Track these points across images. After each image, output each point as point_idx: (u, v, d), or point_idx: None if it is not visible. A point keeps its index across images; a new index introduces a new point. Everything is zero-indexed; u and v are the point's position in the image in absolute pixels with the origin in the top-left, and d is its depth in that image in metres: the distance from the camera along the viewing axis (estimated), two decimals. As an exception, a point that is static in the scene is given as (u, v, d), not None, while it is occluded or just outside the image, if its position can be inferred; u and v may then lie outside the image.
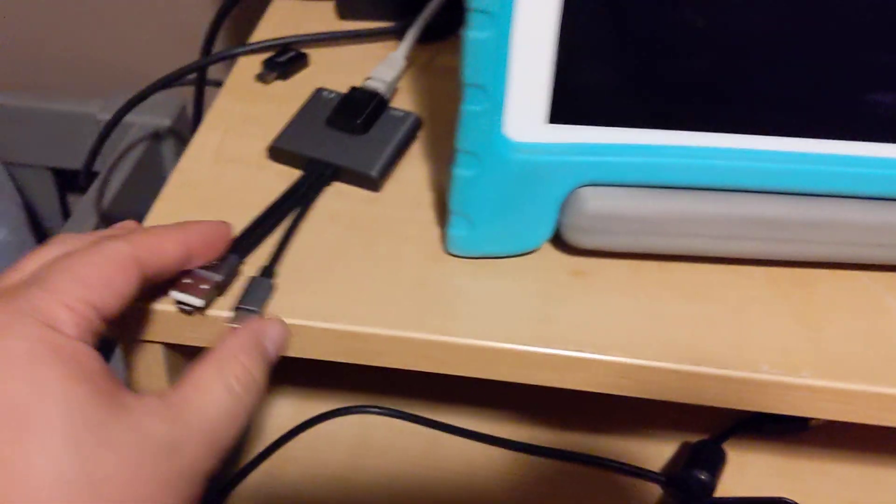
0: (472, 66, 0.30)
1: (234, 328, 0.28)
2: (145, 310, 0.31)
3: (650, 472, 0.43)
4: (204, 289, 0.29)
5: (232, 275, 0.31)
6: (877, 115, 0.32)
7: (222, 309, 0.31)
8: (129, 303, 0.26)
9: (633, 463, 0.44)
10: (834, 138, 0.32)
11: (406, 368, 0.32)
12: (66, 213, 0.88)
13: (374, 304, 0.32)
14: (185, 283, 0.30)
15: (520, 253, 0.34)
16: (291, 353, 0.32)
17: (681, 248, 0.34)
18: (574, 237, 0.34)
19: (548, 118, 0.32)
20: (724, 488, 0.43)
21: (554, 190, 0.33)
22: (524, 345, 0.31)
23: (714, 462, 0.42)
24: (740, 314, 0.33)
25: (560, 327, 0.32)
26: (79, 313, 0.24)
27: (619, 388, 0.31)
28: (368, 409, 0.45)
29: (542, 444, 0.44)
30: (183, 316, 0.31)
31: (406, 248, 0.35)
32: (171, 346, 0.33)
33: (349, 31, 0.48)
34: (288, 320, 0.31)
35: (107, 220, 0.67)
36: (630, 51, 0.31)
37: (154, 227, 0.29)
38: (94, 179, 0.69)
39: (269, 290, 0.31)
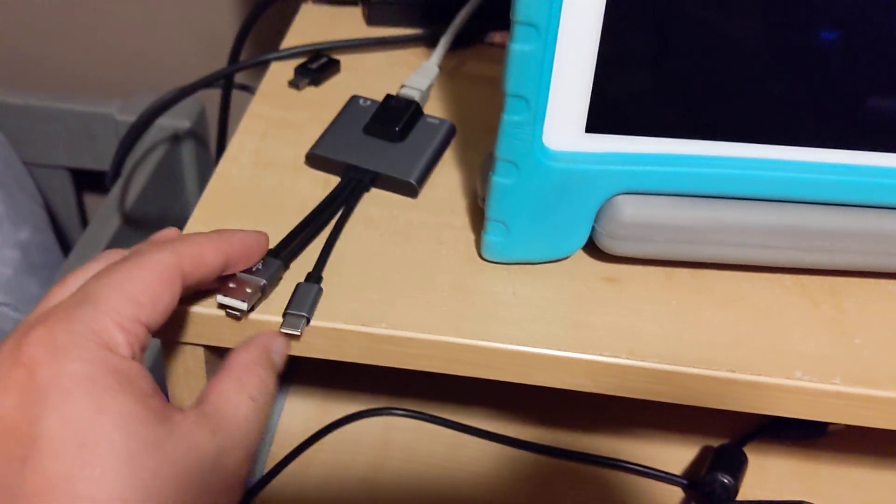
0: (516, 77, 0.31)
1: (244, 344, 0.29)
2: (190, 313, 0.32)
3: (672, 475, 0.43)
4: (248, 292, 0.30)
5: (275, 279, 0.32)
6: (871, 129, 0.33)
7: (272, 314, 0.32)
8: (171, 313, 0.27)
9: (653, 465, 0.44)
10: (868, 150, 0.33)
11: (443, 372, 0.32)
12: (83, 214, 0.88)
13: (411, 308, 0.32)
14: (230, 287, 0.30)
15: (554, 259, 0.35)
16: (329, 357, 0.32)
17: (714, 255, 0.34)
18: (609, 244, 0.34)
19: (585, 128, 0.33)
20: (745, 492, 0.44)
21: (590, 198, 0.33)
22: (560, 350, 0.31)
23: (736, 465, 0.42)
24: (772, 321, 0.34)
25: (595, 333, 0.32)
26: (132, 333, 0.25)
27: (653, 394, 0.32)
28: (392, 412, 0.45)
29: (564, 447, 0.45)
30: (227, 319, 0.31)
31: (442, 252, 0.35)
32: (211, 349, 0.34)
33: (379, 38, 0.49)
34: (328, 324, 0.32)
35: (129, 221, 0.68)
36: (667, 62, 0.31)
37: (194, 235, 0.29)
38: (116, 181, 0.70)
39: (318, 295, 0.32)
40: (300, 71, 0.46)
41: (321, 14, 0.53)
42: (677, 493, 0.44)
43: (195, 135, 0.77)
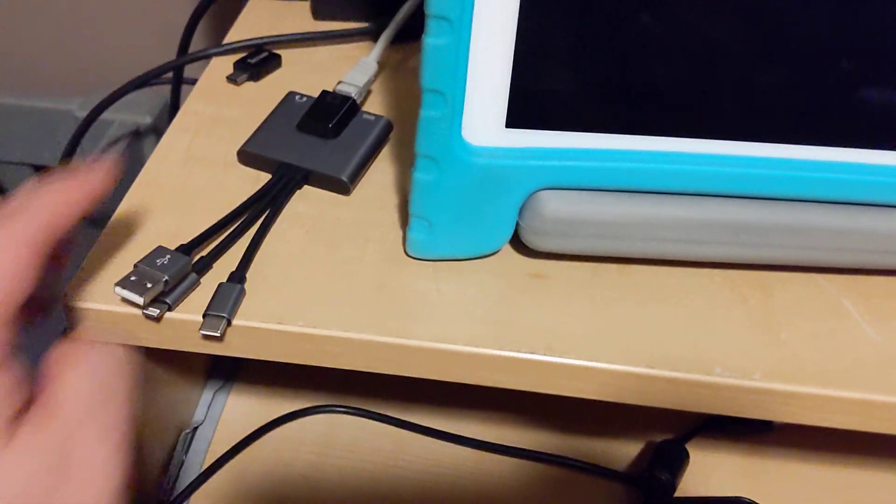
0: (431, 72, 0.30)
1: None
2: (109, 313, 0.31)
3: (614, 471, 0.43)
4: (147, 287, 0.30)
5: (180, 275, 0.31)
6: (835, 120, 0.33)
7: (193, 313, 0.31)
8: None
9: (599, 462, 0.44)
10: (791, 143, 0.33)
11: (365, 370, 0.32)
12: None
13: (333, 306, 0.32)
14: (131, 279, 0.30)
15: (480, 255, 0.35)
16: (249, 356, 0.32)
17: (639, 251, 0.34)
18: (533, 240, 0.34)
19: (506, 123, 0.32)
20: (689, 488, 0.44)
21: (513, 193, 0.33)
22: (480, 347, 0.31)
23: (676, 462, 0.42)
24: (698, 317, 0.33)
25: (516, 330, 0.32)
26: None
27: (574, 391, 0.32)
28: (335, 409, 0.45)
29: (509, 444, 0.45)
30: (143, 319, 0.31)
31: (368, 250, 0.35)
32: (131, 348, 0.33)
33: (322, 32, 0.48)
34: (248, 323, 0.31)
35: (85, 217, 0.67)
36: (587, 56, 0.31)
37: (51, 185, 0.28)
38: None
39: (240, 295, 0.32)
40: (239, 66, 0.45)
41: (268, 8, 0.53)
42: (621, 489, 0.44)
43: (157, 130, 0.76)
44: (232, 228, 0.35)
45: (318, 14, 0.52)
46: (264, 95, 0.44)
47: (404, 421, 0.45)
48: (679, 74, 0.31)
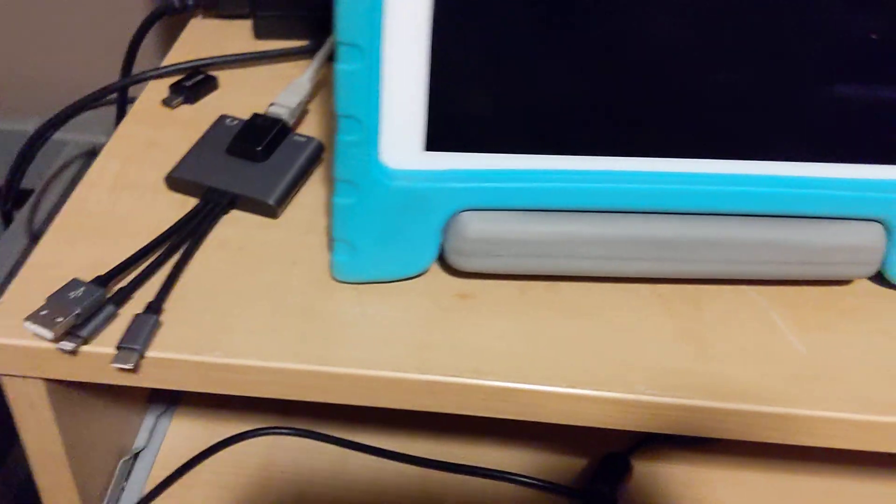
0: (344, 98, 0.30)
1: None
2: (24, 348, 0.31)
3: (558, 485, 0.43)
4: (58, 321, 0.29)
5: (93, 307, 0.31)
6: (750, 135, 0.33)
7: (107, 346, 0.31)
8: None
9: (546, 478, 0.44)
10: (709, 158, 0.33)
11: (287, 398, 0.32)
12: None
13: (253, 333, 0.32)
14: (42, 314, 0.30)
15: (405, 277, 0.35)
16: (167, 387, 0.32)
17: (563, 268, 0.34)
18: (457, 261, 0.34)
19: (424, 146, 0.32)
20: (634, 499, 0.44)
21: (434, 215, 0.33)
22: (401, 372, 0.31)
23: (617, 474, 0.42)
24: (622, 333, 0.33)
25: (440, 353, 0.32)
26: None
27: (497, 412, 0.32)
28: (276, 431, 0.45)
29: (454, 461, 0.44)
30: (61, 353, 0.31)
31: (294, 274, 0.35)
32: (53, 381, 0.33)
33: (259, 53, 0.48)
34: (162, 354, 0.31)
35: (37, 238, 0.67)
36: (500, 80, 0.31)
37: None
38: (29, 197, 0.69)
39: (154, 326, 0.32)
40: (174, 89, 0.45)
41: (210, 28, 0.53)
42: (563, 502, 0.44)
43: (113, 150, 0.76)
44: (154, 257, 0.34)
45: (259, 33, 0.52)
46: (199, 118, 0.43)
47: (346, 440, 0.45)
48: (592, 95, 0.31)
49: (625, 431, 0.47)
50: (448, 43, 0.30)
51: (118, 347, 0.31)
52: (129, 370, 0.31)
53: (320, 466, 0.44)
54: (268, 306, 0.33)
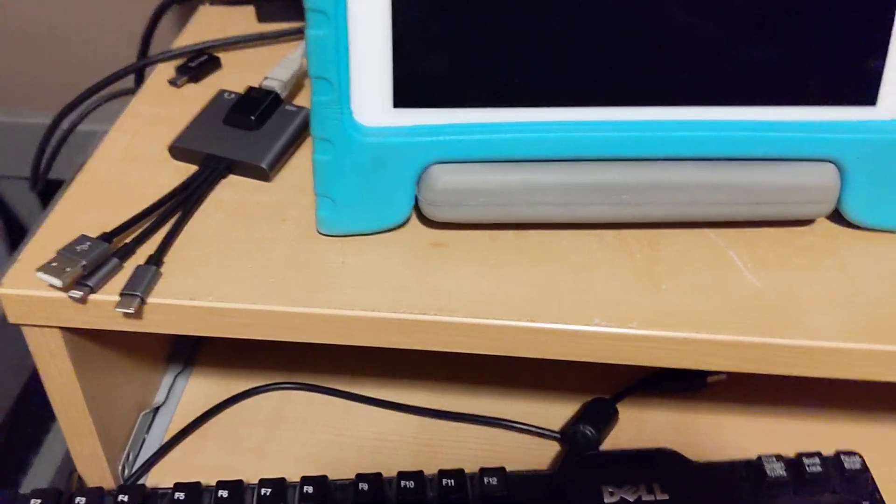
0: (316, 61, 0.33)
1: None
2: (37, 297, 0.35)
3: (546, 429, 0.46)
4: (67, 271, 0.33)
5: (99, 260, 0.34)
6: (702, 80, 0.35)
7: (114, 294, 0.35)
8: None
9: (536, 422, 0.46)
10: (663, 105, 0.35)
11: (273, 339, 0.35)
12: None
13: (244, 281, 0.35)
14: (52, 265, 0.33)
15: (385, 228, 0.37)
16: (166, 331, 0.35)
17: (527, 216, 0.37)
18: (430, 211, 0.37)
19: (394, 103, 0.35)
20: (619, 443, 0.46)
21: (406, 169, 0.36)
22: (376, 311, 0.34)
23: (602, 417, 0.45)
24: (584, 273, 0.36)
25: (413, 294, 0.35)
26: None
27: (464, 346, 0.34)
28: (283, 386, 0.48)
29: (449, 410, 0.47)
30: (72, 301, 0.34)
31: (283, 229, 0.38)
32: (68, 330, 0.37)
33: (258, 34, 0.51)
34: (162, 300, 0.34)
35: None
36: (461, 36, 0.34)
37: None
38: (62, 187, 0.74)
39: (154, 275, 0.35)
40: (180, 70, 0.48)
41: (217, 15, 0.56)
42: (552, 446, 0.46)
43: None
44: (156, 217, 0.38)
45: (262, 17, 0.55)
46: (203, 95, 0.47)
47: (349, 392, 0.48)
48: (548, 48, 0.34)
49: (613, 379, 0.49)
50: (407, 5, 0.33)
51: (121, 294, 0.34)
52: (131, 315, 0.34)
53: (325, 418, 0.47)
54: (257, 257, 0.36)
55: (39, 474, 0.75)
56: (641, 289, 0.35)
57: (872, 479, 0.42)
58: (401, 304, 0.34)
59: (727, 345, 0.33)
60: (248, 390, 0.48)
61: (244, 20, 0.55)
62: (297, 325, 0.34)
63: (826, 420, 0.48)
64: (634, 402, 0.48)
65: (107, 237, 0.35)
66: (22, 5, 0.81)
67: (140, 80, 0.62)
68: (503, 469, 0.41)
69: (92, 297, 0.34)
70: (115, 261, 0.35)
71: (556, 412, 0.48)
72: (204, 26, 0.54)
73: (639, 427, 0.47)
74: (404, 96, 0.35)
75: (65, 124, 0.81)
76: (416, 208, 0.37)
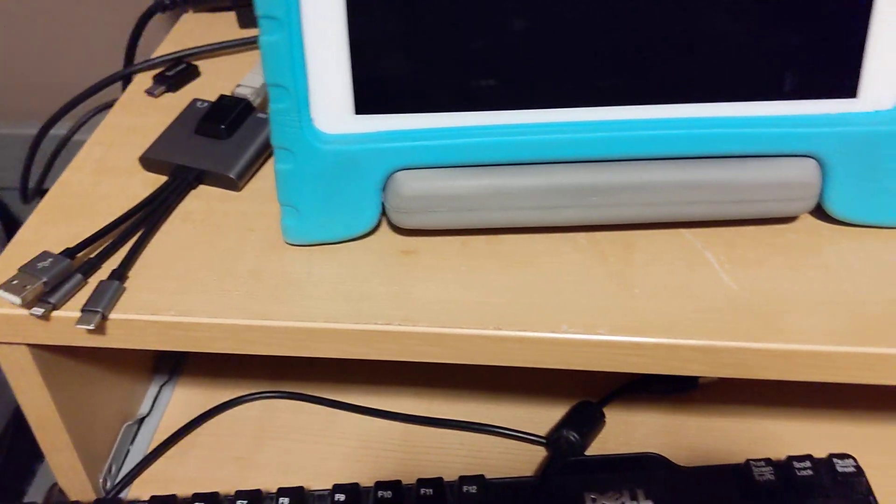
0: (271, 68, 0.33)
1: None
2: (1, 314, 0.34)
3: (531, 434, 0.45)
4: (27, 288, 0.33)
5: (61, 276, 0.34)
6: (674, 77, 0.34)
7: (74, 311, 0.34)
8: None
9: (522, 428, 0.46)
10: (636, 104, 0.34)
11: (238, 352, 0.34)
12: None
13: (207, 294, 0.35)
14: (13, 283, 0.33)
15: (352, 237, 0.37)
16: (130, 346, 0.35)
17: (496, 220, 0.36)
18: (397, 218, 0.36)
19: (354, 110, 0.34)
20: (607, 447, 0.45)
21: (371, 176, 0.35)
22: (338, 323, 0.33)
23: (587, 422, 0.44)
24: (555, 279, 0.35)
25: (376, 304, 0.34)
26: None
27: (430, 356, 0.34)
28: (267, 395, 0.48)
29: (434, 416, 0.46)
30: (32, 318, 0.34)
31: (250, 240, 0.37)
32: (37, 346, 0.36)
33: (236, 40, 0.51)
34: (123, 316, 0.34)
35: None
36: (419, 38, 0.33)
37: None
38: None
39: (116, 291, 0.34)
40: (157, 79, 0.48)
41: (199, 22, 0.56)
42: (538, 451, 0.45)
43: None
44: (121, 230, 0.37)
45: (243, 23, 0.54)
46: (181, 105, 0.46)
47: (333, 400, 0.47)
48: (507, 50, 0.33)
49: (601, 382, 0.48)
50: (364, 8, 0.32)
51: (82, 310, 0.34)
52: (92, 331, 0.34)
53: (310, 426, 0.47)
54: (222, 269, 0.36)
55: (43, 484, 0.76)
56: (613, 293, 0.34)
57: (867, 482, 0.40)
58: (364, 315, 0.33)
59: (700, 350, 0.32)
60: (232, 400, 0.48)
61: (227, 27, 0.55)
62: (258, 338, 0.34)
63: (822, 422, 0.47)
64: (623, 406, 0.47)
65: (70, 253, 0.35)
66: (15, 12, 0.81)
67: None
68: (482, 477, 0.40)
69: (55, 313, 0.34)
70: (78, 276, 0.35)
71: (545, 416, 0.47)
72: (186, 34, 0.54)
73: (627, 431, 0.46)
74: (365, 102, 0.34)
75: (58, 134, 0.82)
76: (386, 215, 0.37)
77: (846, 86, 0.34)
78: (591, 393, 0.48)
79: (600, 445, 0.45)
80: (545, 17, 0.32)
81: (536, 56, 0.33)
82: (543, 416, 0.47)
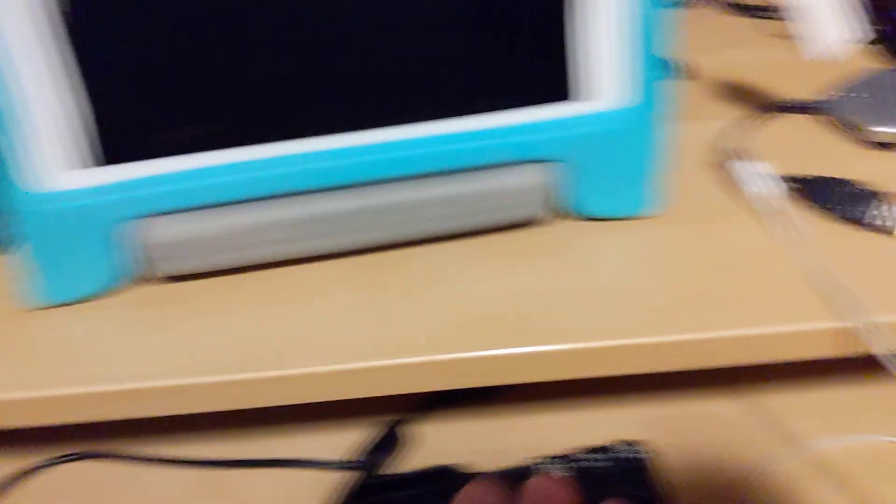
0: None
1: None
2: None
3: (333, 461, 0.45)
4: None
5: None
6: (387, 101, 0.34)
7: None
8: None
9: (338, 455, 0.45)
10: (354, 130, 0.34)
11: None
12: None
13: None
14: None
15: (100, 293, 0.36)
16: None
17: (243, 259, 0.35)
18: (143, 268, 0.35)
19: (80, 163, 0.33)
20: (412, 463, 0.45)
21: (103, 229, 0.34)
22: (70, 387, 0.32)
23: (386, 443, 0.44)
24: (320, 309, 0.35)
25: (112, 364, 0.33)
26: None
27: (161, 410, 0.33)
28: (55, 461, 0.46)
29: (243, 458, 0.46)
30: None
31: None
32: None
33: None
34: None
35: None
36: (142, 88, 0.32)
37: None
38: None
39: None
40: None
41: None
42: (342, 477, 0.45)
43: None
44: None
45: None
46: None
47: (133, 455, 0.46)
48: (209, 87, 0.33)
49: (405, 400, 0.48)
50: (95, 62, 0.32)
51: None
52: None
53: (116, 484, 0.45)
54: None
55: None
56: (370, 316, 0.34)
57: (653, 468, 0.42)
58: (96, 378, 0.32)
59: (457, 363, 0.32)
60: (27, 470, 0.46)
61: None
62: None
63: (612, 408, 0.48)
64: (429, 420, 0.48)
65: None
66: None
67: None
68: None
69: None
70: None
71: (355, 440, 0.47)
72: None
73: (431, 445, 0.46)
74: (90, 155, 0.33)
75: None
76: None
77: (557, 90, 0.35)
78: (396, 411, 0.48)
79: (406, 462, 0.45)
80: (234, 57, 0.32)
81: (239, 94, 0.33)
82: (354, 440, 0.47)
